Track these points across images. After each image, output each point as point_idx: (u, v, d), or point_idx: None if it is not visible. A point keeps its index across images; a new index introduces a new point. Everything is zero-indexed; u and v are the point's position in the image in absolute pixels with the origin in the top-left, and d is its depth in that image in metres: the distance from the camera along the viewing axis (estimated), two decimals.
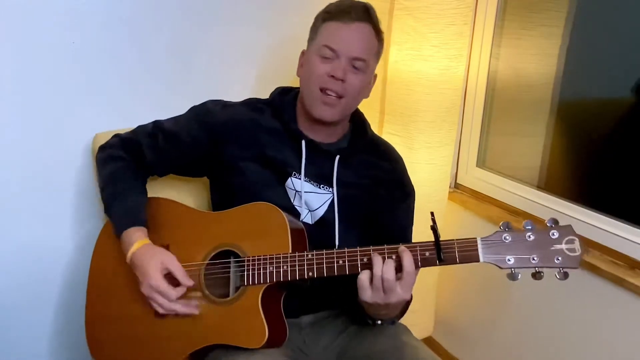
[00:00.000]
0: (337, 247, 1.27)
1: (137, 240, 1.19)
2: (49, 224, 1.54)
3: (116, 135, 1.34)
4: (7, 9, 1.35)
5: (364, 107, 1.37)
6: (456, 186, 2.04)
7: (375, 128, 1.81)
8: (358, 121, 1.36)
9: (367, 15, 1.23)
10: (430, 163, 1.74)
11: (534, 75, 1.90)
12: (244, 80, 1.70)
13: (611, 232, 1.54)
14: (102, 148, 1.33)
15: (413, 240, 1.36)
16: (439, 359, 1.21)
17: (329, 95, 1.22)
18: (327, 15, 1.24)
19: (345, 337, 1.30)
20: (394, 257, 1.08)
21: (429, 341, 2.08)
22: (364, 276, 1.08)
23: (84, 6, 1.43)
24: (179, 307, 1.16)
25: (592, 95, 1.86)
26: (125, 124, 1.38)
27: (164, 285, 1.14)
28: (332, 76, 1.20)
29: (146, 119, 1.34)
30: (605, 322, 1.53)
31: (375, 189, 1.31)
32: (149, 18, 1.52)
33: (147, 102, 1.56)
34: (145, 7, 1.51)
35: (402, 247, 1.08)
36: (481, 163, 1.98)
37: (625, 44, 1.72)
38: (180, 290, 1.16)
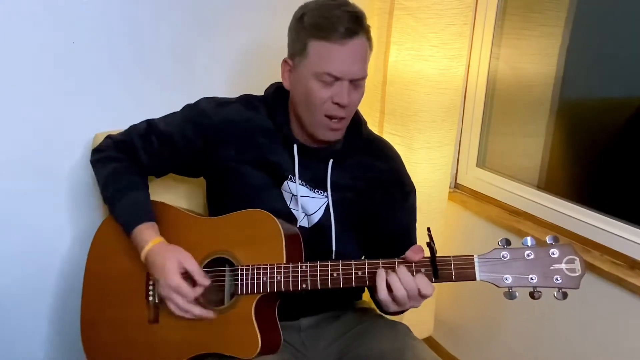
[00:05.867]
0: (334, 251, 1.26)
1: (150, 238, 1.17)
2: (47, 225, 1.54)
3: (108, 137, 1.32)
4: (7, 9, 1.35)
5: (364, 107, 1.36)
6: (456, 186, 2.04)
7: (375, 128, 1.82)
8: (354, 121, 1.27)
9: (360, 26, 1.13)
10: (430, 163, 1.74)
11: (534, 75, 1.90)
12: (243, 79, 1.69)
13: (611, 232, 1.53)
14: (96, 151, 1.32)
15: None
16: (439, 359, 1.20)
17: (334, 121, 1.18)
18: (315, 32, 1.12)
19: (345, 338, 1.29)
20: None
21: (429, 341, 2.08)
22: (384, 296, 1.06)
23: (84, 6, 1.43)
24: (197, 310, 1.12)
25: (591, 95, 1.86)
26: (125, 124, 1.37)
27: (184, 285, 1.11)
28: (337, 103, 1.15)
29: (146, 118, 1.34)
30: (605, 322, 1.53)
31: (372, 192, 1.28)
32: (150, 18, 1.52)
33: (146, 102, 1.55)
34: (146, 8, 1.51)
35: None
36: (481, 163, 1.98)
37: (625, 44, 1.72)
38: (198, 290, 1.12)
